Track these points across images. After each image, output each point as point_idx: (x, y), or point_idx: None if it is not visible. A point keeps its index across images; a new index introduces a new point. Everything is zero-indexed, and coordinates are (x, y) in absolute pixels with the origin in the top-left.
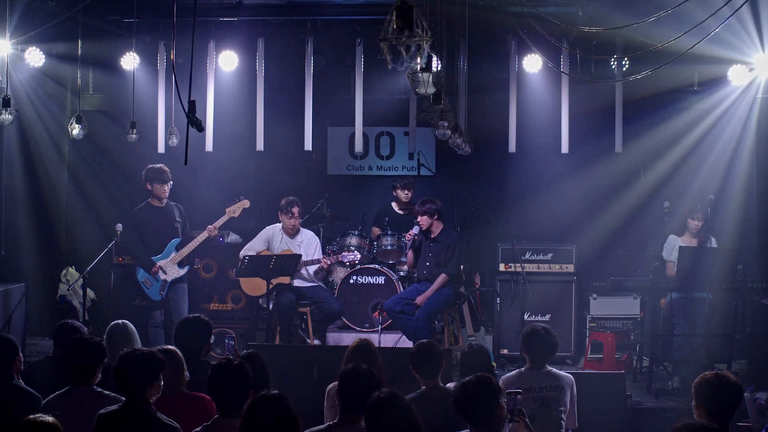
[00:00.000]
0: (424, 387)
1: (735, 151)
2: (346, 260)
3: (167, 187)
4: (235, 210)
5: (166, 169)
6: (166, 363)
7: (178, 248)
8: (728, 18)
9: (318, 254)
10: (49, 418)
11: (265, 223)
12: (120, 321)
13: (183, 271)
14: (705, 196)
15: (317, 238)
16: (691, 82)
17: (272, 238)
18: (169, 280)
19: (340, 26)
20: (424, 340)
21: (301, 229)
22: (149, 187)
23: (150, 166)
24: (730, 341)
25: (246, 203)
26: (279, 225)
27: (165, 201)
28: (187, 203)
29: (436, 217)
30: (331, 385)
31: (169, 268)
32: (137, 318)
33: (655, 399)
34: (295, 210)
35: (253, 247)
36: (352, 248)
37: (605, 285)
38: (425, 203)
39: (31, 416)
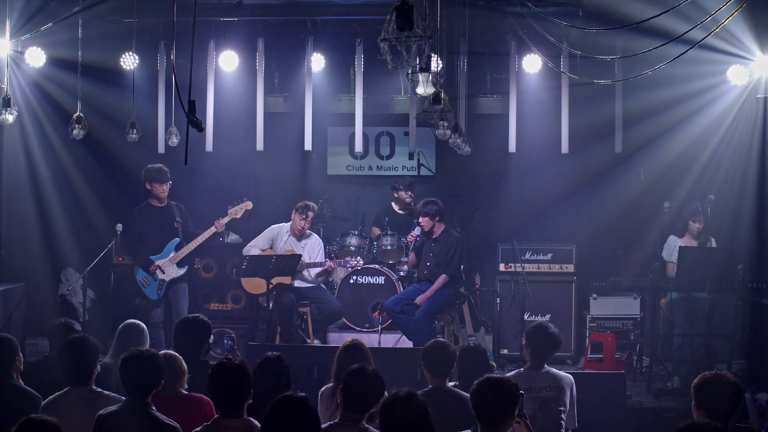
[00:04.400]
0: (431, 386)
1: (735, 150)
2: (348, 266)
3: (166, 187)
4: (237, 211)
5: (165, 169)
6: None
7: (177, 248)
8: (729, 17)
9: (321, 259)
10: (51, 418)
11: (265, 223)
12: (134, 320)
13: (182, 271)
14: (705, 197)
15: (322, 243)
16: (690, 81)
17: (277, 237)
18: (167, 279)
19: (340, 26)
20: (440, 339)
21: (308, 233)
22: (148, 186)
23: (149, 166)
24: (730, 341)
25: (249, 205)
26: (286, 225)
27: (165, 201)
28: (186, 203)
29: (437, 219)
30: (324, 388)
31: (168, 267)
32: (137, 318)
33: (655, 399)
34: (310, 214)
35: (257, 244)
36: (353, 249)
37: (605, 285)
38: (427, 204)
39: (33, 415)
